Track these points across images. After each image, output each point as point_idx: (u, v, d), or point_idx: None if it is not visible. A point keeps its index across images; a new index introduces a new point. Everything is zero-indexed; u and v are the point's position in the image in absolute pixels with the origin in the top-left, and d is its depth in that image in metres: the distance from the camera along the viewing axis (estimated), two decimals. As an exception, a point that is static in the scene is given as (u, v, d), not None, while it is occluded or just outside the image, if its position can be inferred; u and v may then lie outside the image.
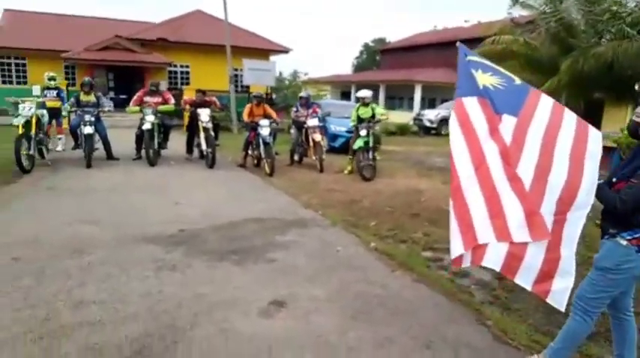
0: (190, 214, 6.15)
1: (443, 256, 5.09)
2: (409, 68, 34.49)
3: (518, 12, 11.47)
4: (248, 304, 3.68)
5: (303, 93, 11.59)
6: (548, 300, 2.80)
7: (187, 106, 10.69)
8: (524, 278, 2.85)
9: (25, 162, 8.25)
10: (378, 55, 48.28)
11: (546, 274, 2.76)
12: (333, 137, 13.12)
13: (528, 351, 3.16)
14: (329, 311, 3.64)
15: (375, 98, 34.24)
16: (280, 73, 26.17)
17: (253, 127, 9.78)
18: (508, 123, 2.89)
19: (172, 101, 10.45)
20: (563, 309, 2.77)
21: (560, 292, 2.73)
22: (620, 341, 2.85)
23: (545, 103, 2.99)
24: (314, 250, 5.06)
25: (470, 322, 3.61)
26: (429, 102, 31.11)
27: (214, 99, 10.88)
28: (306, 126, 10.28)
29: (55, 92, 10.78)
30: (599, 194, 2.63)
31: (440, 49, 31.90)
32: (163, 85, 20.44)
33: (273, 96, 23.35)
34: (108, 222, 5.64)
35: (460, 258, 2.98)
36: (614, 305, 2.81)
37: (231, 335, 3.22)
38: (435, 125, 21.69)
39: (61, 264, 4.30)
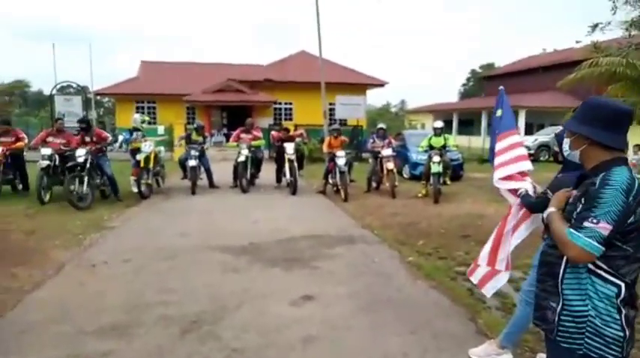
0: (262, 231, 7.36)
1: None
2: (515, 93, 33.73)
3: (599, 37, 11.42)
4: (283, 296, 4.69)
5: (381, 124, 12.54)
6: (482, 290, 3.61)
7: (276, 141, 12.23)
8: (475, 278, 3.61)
9: (144, 190, 10.17)
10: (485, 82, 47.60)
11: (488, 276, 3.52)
12: (414, 165, 13.84)
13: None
14: (344, 305, 4.53)
15: (474, 126, 34.03)
16: (388, 103, 27.20)
17: (331, 158, 10.94)
18: None
19: (261, 138, 12.07)
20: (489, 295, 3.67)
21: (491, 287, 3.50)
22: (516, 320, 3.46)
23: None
24: (353, 261, 5.95)
25: (462, 320, 4.26)
26: (538, 128, 30.05)
27: (302, 131, 12.32)
28: (380, 155, 11.21)
29: (141, 134, 10.79)
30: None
31: (548, 72, 30.91)
32: (265, 122, 22.63)
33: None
34: (196, 235, 7.04)
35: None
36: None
37: (264, 315, 4.26)
38: (532, 151, 21.27)
39: (155, 264, 5.69)
